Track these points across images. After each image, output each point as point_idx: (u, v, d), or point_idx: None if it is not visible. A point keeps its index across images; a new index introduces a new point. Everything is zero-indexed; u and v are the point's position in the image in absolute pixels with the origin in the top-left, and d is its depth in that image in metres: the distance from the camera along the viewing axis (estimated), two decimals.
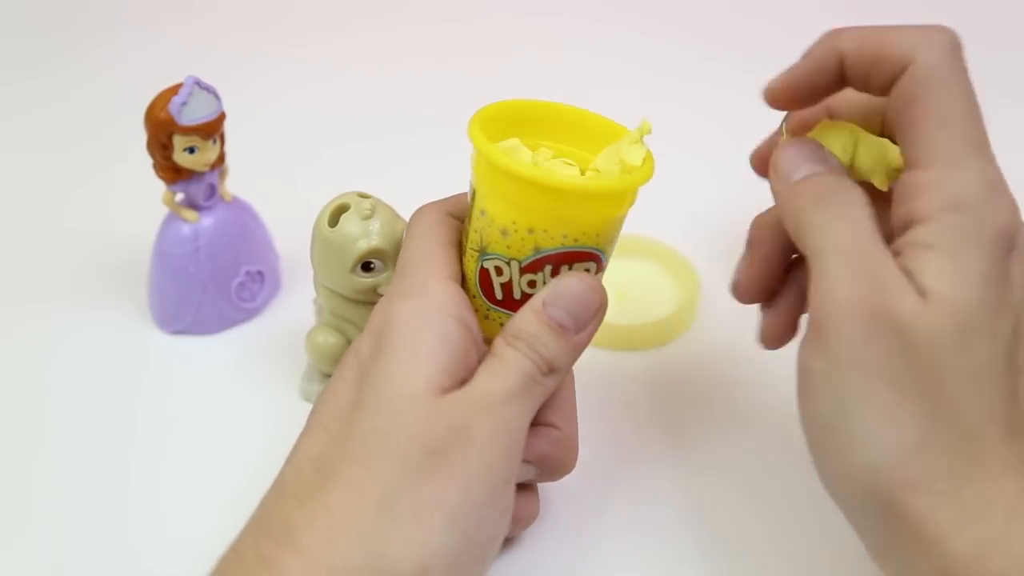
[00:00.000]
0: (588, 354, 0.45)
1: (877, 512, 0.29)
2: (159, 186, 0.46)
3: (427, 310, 0.33)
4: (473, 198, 0.35)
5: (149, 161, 0.45)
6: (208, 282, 0.47)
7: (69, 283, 0.52)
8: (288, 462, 0.33)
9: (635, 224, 0.38)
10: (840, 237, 0.30)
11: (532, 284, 0.34)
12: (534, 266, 0.33)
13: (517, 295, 0.34)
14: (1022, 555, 0.27)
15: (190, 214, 0.46)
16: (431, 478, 0.30)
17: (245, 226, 0.48)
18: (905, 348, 0.28)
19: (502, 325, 0.34)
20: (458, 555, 0.30)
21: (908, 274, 0.29)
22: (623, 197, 0.33)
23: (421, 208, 0.37)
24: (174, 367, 0.48)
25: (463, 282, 0.35)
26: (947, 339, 0.28)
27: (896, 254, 0.29)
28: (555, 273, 0.34)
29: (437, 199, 0.37)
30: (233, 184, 0.48)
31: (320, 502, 0.30)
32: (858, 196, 0.31)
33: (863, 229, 0.30)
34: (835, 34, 0.32)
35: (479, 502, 0.31)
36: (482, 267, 0.34)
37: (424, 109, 0.68)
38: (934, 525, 0.28)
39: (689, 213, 0.56)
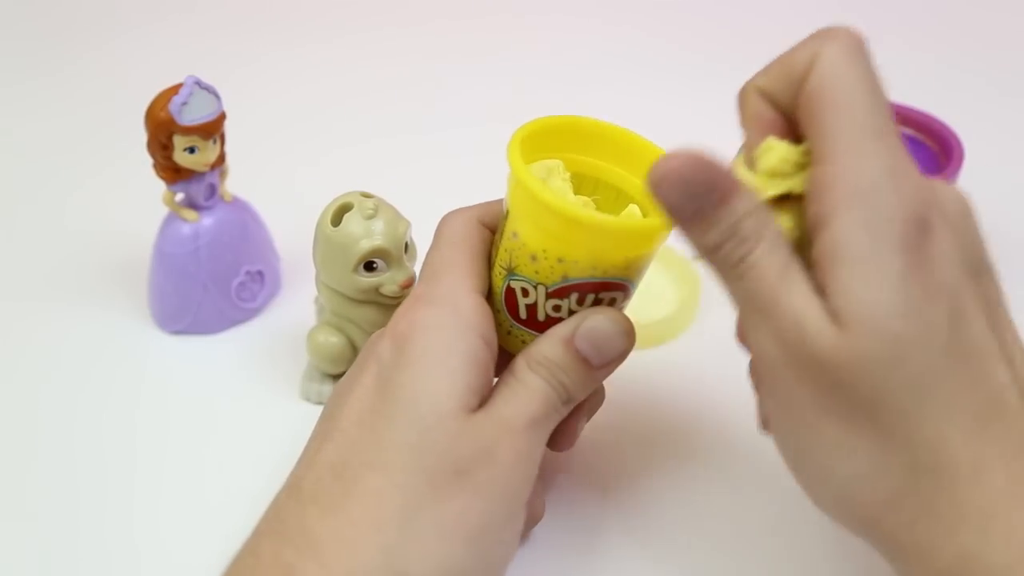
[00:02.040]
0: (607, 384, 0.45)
1: (865, 533, 0.29)
2: (159, 186, 0.46)
3: (455, 325, 0.32)
4: (506, 217, 0.34)
5: (149, 161, 0.45)
6: (208, 282, 0.47)
7: (69, 283, 0.52)
8: (304, 464, 0.32)
9: None
10: (751, 288, 0.29)
11: (557, 308, 0.34)
12: (561, 292, 0.33)
13: (541, 317, 0.34)
14: (1000, 566, 0.27)
15: (190, 214, 0.46)
16: (454, 496, 0.30)
17: (245, 226, 0.48)
18: (834, 383, 0.27)
19: (524, 342, 0.34)
20: (475, 574, 0.30)
21: (823, 294, 0.27)
22: (656, 237, 0.33)
23: (452, 213, 0.36)
24: (174, 367, 0.47)
25: (489, 294, 0.35)
26: (872, 363, 0.27)
27: (812, 265, 0.28)
28: (581, 301, 0.34)
29: (468, 205, 0.37)
30: (233, 184, 0.48)
31: (343, 512, 0.30)
32: (769, 235, 0.29)
33: (772, 271, 0.28)
34: (747, 83, 0.31)
35: (499, 524, 0.31)
36: (509, 286, 0.34)
37: (425, 109, 0.68)
38: (914, 544, 0.28)
39: None
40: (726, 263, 0.29)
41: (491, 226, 0.36)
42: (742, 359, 0.33)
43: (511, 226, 0.34)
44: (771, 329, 0.28)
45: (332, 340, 0.43)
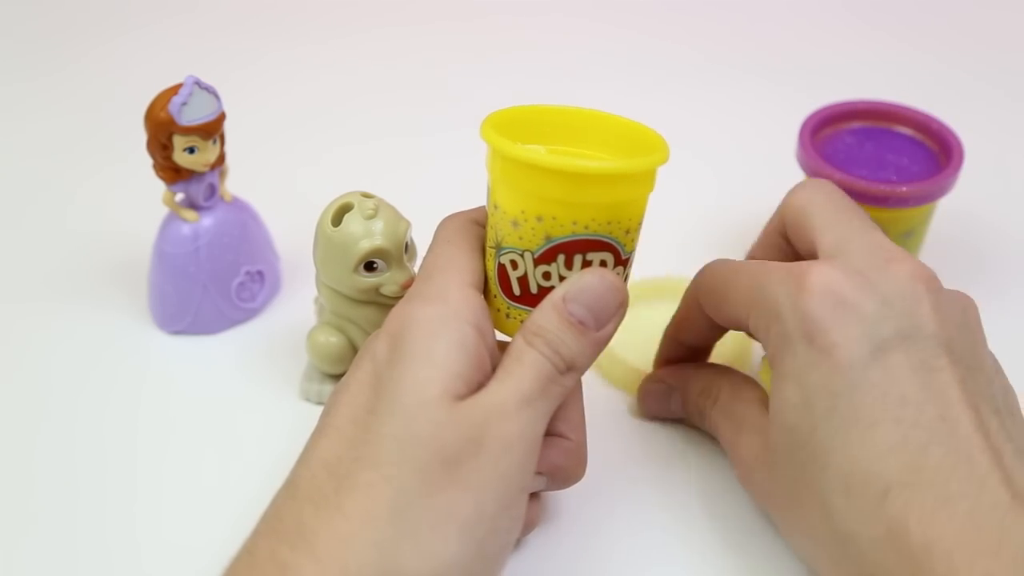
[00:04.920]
0: (601, 385, 0.45)
1: None
2: (159, 186, 0.46)
3: (442, 316, 0.32)
4: (488, 197, 0.35)
5: (149, 161, 0.45)
6: (208, 282, 0.47)
7: (69, 283, 0.52)
8: (301, 463, 0.32)
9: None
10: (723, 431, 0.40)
11: (547, 276, 0.34)
12: (547, 256, 0.33)
13: (534, 289, 0.34)
14: None
15: (190, 214, 0.46)
16: (444, 488, 0.30)
17: (245, 226, 0.48)
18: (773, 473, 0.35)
19: (522, 323, 0.34)
20: (471, 565, 0.30)
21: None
22: (621, 180, 0.33)
23: (448, 216, 0.37)
24: (174, 367, 0.47)
25: (485, 287, 0.35)
26: (783, 450, 0.34)
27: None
28: (568, 264, 0.33)
29: (464, 209, 0.37)
30: (233, 184, 0.48)
31: (336, 507, 0.30)
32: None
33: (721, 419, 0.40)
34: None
35: (492, 513, 0.30)
36: (499, 263, 0.35)
37: (425, 109, 0.68)
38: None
39: (690, 215, 0.56)
40: (698, 414, 0.42)
41: (485, 227, 0.36)
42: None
43: (492, 200, 0.34)
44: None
45: (332, 340, 0.43)
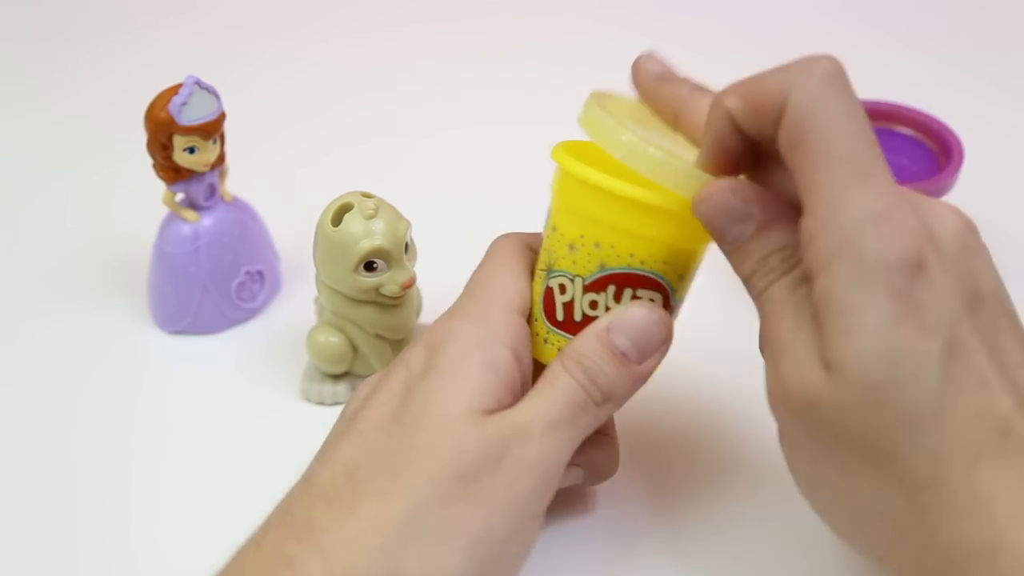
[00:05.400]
0: None
1: (879, 566, 0.31)
2: (159, 186, 0.46)
3: (479, 336, 0.32)
4: (548, 219, 0.35)
5: (149, 161, 0.45)
6: (208, 282, 0.47)
7: (69, 283, 0.52)
8: (319, 461, 0.32)
9: None
10: (764, 320, 0.30)
11: (594, 305, 0.33)
12: (597, 285, 0.33)
13: (578, 316, 0.34)
14: None
15: (190, 214, 0.46)
16: (457, 502, 0.30)
17: (245, 226, 0.48)
18: (825, 429, 0.28)
19: (559, 350, 0.34)
20: None
21: (820, 340, 0.28)
22: (682, 218, 0.31)
23: (503, 235, 0.37)
24: (174, 367, 0.47)
25: (529, 312, 0.35)
26: (857, 412, 0.27)
27: (812, 313, 0.28)
28: (618, 296, 0.33)
29: (520, 231, 0.37)
30: (233, 184, 0.48)
31: (349, 509, 0.30)
32: (794, 272, 0.30)
33: (785, 308, 0.29)
34: (721, 95, 0.30)
35: (501, 536, 0.30)
36: (547, 286, 0.34)
37: (425, 109, 0.68)
38: None
39: None
40: (753, 291, 0.31)
41: (538, 250, 0.36)
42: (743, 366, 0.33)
43: (551, 222, 0.34)
44: (773, 365, 0.29)
45: (332, 340, 0.43)
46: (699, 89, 0.33)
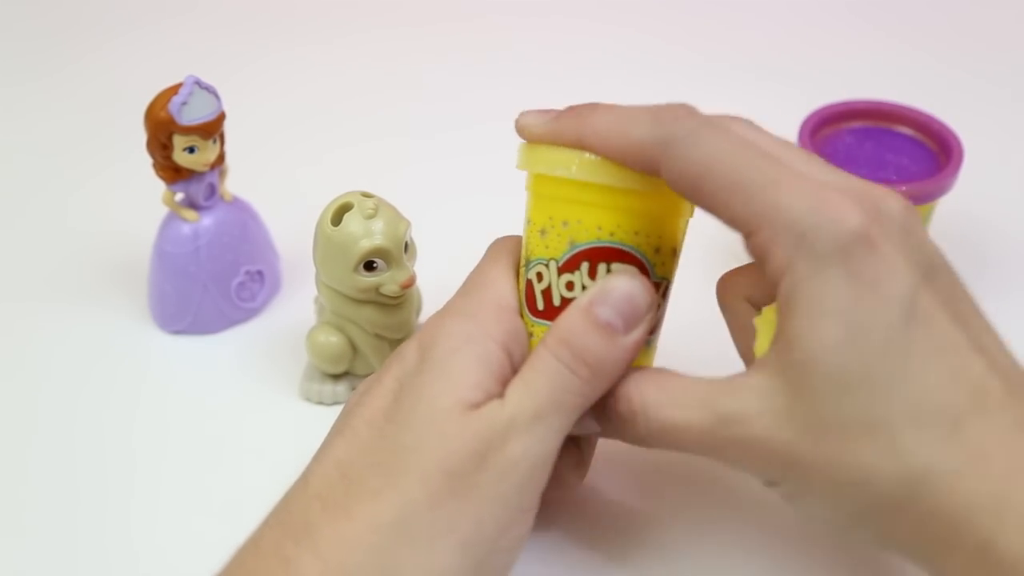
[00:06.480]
0: None
1: (882, 547, 0.32)
2: (159, 186, 0.46)
3: (471, 332, 0.32)
4: (525, 217, 0.35)
5: (149, 161, 0.45)
6: (208, 282, 0.47)
7: (69, 283, 0.52)
8: (316, 459, 0.33)
9: None
10: None
11: (570, 287, 0.33)
12: (570, 264, 0.33)
13: (556, 301, 0.34)
14: (1018, 550, 0.27)
15: (190, 214, 0.46)
16: (447, 501, 0.29)
17: (245, 226, 0.48)
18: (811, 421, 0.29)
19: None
20: None
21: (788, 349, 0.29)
22: (649, 183, 0.32)
23: (500, 237, 0.37)
24: (174, 367, 0.47)
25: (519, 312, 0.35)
26: (828, 399, 0.28)
27: (780, 312, 0.30)
28: (592, 273, 0.33)
29: (518, 233, 0.37)
30: (233, 184, 0.48)
31: (343, 508, 0.30)
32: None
33: None
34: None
35: (493, 533, 0.30)
36: (527, 279, 0.34)
37: (426, 109, 0.68)
38: (932, 545, 0.29)
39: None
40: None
41: None
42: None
43: (526, 216, 0.35)
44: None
45: (332, 340, 0.43)
46: (588, 107, 0.33)
